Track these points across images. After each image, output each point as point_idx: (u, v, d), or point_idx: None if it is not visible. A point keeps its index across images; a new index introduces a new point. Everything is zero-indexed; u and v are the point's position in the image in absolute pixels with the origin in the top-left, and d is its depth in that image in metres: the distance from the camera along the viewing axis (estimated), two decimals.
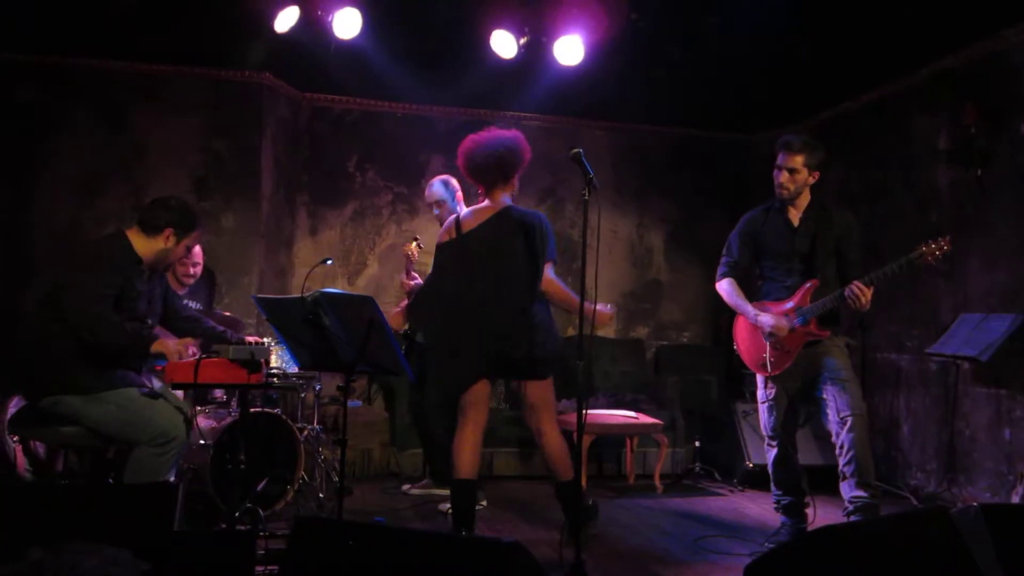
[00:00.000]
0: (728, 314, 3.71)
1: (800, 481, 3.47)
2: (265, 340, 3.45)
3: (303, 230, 5.63)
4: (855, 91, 5.20)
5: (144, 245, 2.99)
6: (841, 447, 3.20)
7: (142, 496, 2.14)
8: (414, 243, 4.32)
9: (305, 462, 3.88)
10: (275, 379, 3.54)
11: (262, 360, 2.85)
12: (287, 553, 1.85)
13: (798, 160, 3.31)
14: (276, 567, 2.54)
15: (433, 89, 5.32)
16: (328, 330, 2.73)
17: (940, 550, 1.68)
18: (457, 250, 3.27)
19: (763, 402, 3.48)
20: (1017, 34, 4.14)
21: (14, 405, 3.61)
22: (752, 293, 3.56)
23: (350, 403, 3.06)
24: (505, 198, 3.31)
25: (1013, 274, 4.16)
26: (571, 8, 4.40)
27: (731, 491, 4.73)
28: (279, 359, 3.74)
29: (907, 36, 4.31)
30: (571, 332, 5.16)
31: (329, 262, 4.59)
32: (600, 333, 5.31)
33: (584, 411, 2.77)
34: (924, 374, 4.68)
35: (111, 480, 3.05)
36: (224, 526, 3.05)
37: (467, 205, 4.42)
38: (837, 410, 3.21)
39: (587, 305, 2.88)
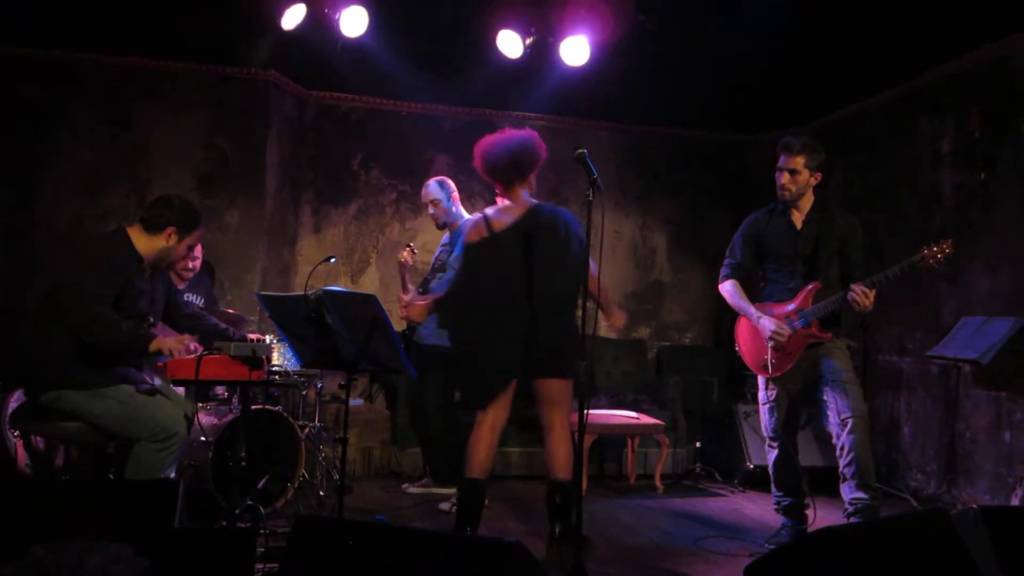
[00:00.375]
0: (730, 315, 3.71)
1: (801, 482, 3.47)
2: (267, 337, 3.47)
3: (307, 228, 5.63)
4: (860, 94, 5.20)
5: (145, 243, 2.99)
6: (842, 449, 3.20)
7: (143, 492, 2.15)
8: (407, 249, 4.32)
9: (306, 460, 3.89)
10: (276, 376, 3.54)
11: (264, 357, 2.85)
12: (287, 551, 1.86)
13: (799, 161, 3.31)
14: (276, 565, 2.54)
15: (439, 88, 5.33)
16: (330, 328, 2.74)
17: (940, 552, 1.68)
18: (490, 249, 3.24)
19: (764, 403, 3.48)
20: (1022, 39, 4.14)
21: (15, 400, 3.62)
22: (754, 294, 3.56)
23: (351, 401, 3.06)
24: (525, 195, 3.33)
25: (1015, 278, 4.15)
26: (578, 9, 4.41)
27: (732, 492, 4.73)
28: (281, 356, 3.74)
29: (912, 40, 4.31)
30: None
31: (333, 260, 4.60)
32: (601, 334, 5.31)
33: (586, 411, 2.77)
34: (925, 376, 4.68)
35: (111, 476, 3.06)
36: (224, 523, 3.05)
37: (463, 207, 4.45)
38: (838, 412, 3.22)
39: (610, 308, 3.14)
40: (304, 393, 4.33)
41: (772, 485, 3.52)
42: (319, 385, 4.16)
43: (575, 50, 4.57)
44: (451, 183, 4.34)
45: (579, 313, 3.06)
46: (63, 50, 4.88)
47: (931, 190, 4.71)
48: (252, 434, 3.18)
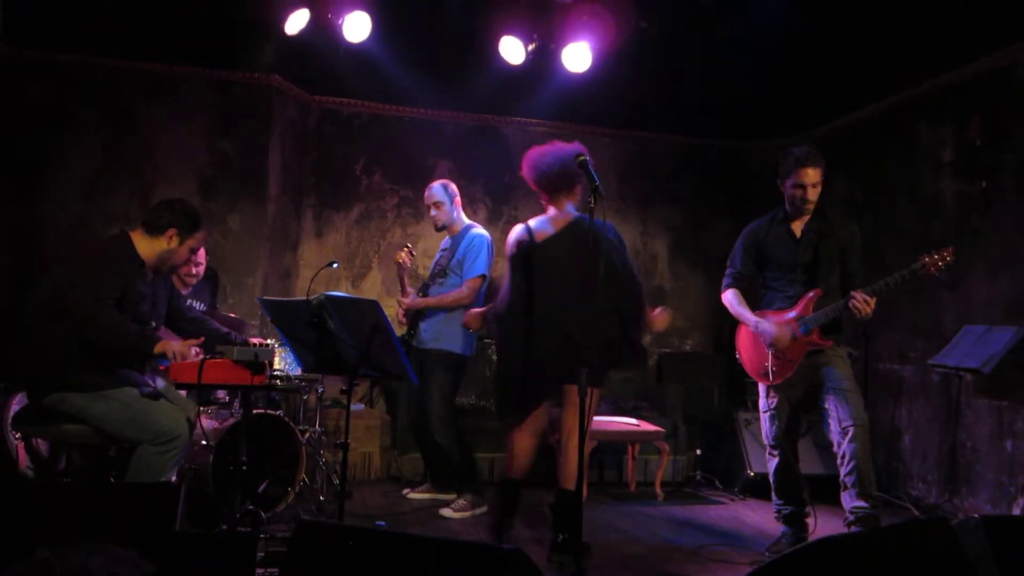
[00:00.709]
0: (730, 322, 3.72)
1: (801, 491, 3.47)
2: (269, 342, 3.47)
3: (309, 232, 5.64)
4: (861, 101, 5.21)
5: (147, 246, 3.00)
6: (842, 457, 3.20)
7: (144, 495, 2.14)
8: (405, 251, 4.34)
9: (306, 464, 3.89)
10: (278, 381, 3.55)
11: (265, 362, 2.86)
12: (288, 556, 1.86)
13: (820, 173, 3.34)
14: (276, 570, 2.54)
15: (441, 94, 5.34)
16: (332, 333, 2.74)
17: (941, 562, 1.68)
18: (534, 260, 3.32)
19: (765, 411, 3.48)
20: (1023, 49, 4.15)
21: (17, 402, 3.62)
22: (755, 302, 3.56)
23: (352, 406, 3.06)
24: (570, 207, 3.39)
25: (1016, 286, 4.15)
26: (580, 15, 4.42)
27: (732, 499, 4.72)
28: (282, 361, 3.75)
29: (914, 48, 4.32)
30: None
31: (335, 266, 4.60)
32: None
33: (587, 417, 2.77)
34: (926, 385, 4.68)
35: (113, 479, 3.06)
36: (225, 527, 3.05)
37: (464, 211, 4.47)
38: (839, 420, 3.22)
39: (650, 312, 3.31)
40: (305, 397, 4.33)
41: (773, 493, 3.51)
42: (320, 389, 4.16)
43: (577, 57, 4.59)
44: (454, 187, 4.37)
45: (622, 321, 3.15)
46: (69, 54, 4.91)
47: (932, 198, 4.71)
48: (253, 438, 3.18)
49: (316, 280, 4.27)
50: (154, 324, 3.08)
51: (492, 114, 5.80)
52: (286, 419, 3.82)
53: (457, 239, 4.33)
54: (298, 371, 3.68)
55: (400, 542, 1.81)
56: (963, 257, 3.52)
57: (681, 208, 6.26)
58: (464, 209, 4.51)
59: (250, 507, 3.15)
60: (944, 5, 3.86)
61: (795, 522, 3.47)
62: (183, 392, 3.24)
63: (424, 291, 4.40)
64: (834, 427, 3.24)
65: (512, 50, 4.62)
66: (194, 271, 3.91)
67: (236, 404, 3.90)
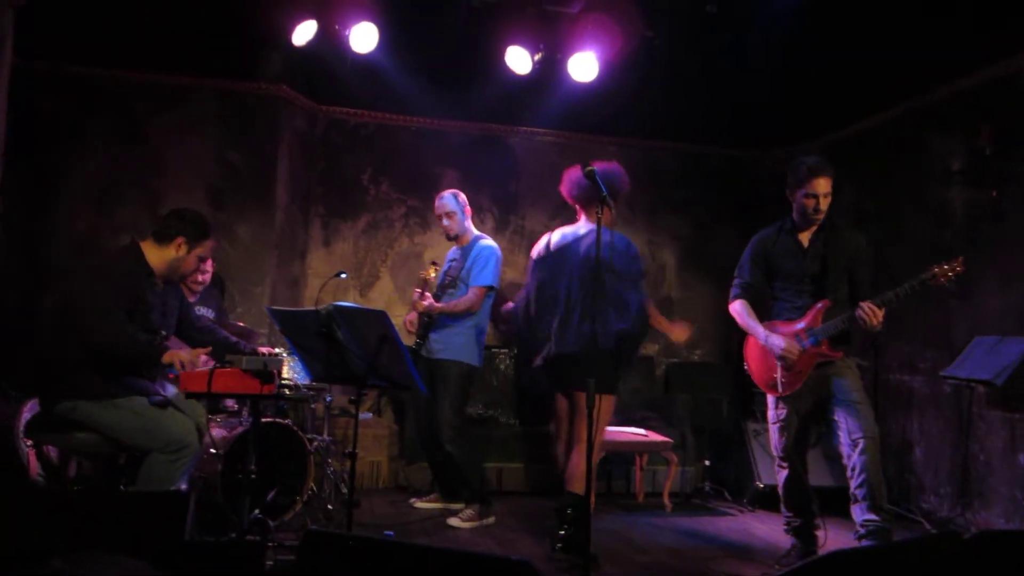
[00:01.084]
0: (739, 333, 3.70)
1: (811, 503, 3.44)
2: (278, 351, 3.49)
3: (316, 241, 5.66)
4: (869, 110, 5.20)
5: (156, 255, 3.02)
6: (853, 470, 3.17)
7: (154, 504, 2.15)
8: (432, 267, 4.39)
9: (314, 473, 3.89)
10: (287, 390, 3.55)
11: (274, 371, 2.87)
12: (296, 565, 1.85)
13: (831, 183, 3.33)
14: None
15: (448, 103, 5.37)
16: (340, 343, 2.75)
17: None
18: (544, 265, 3.68)
19: (774, 422, 3.46)
20: None
21: (28, 410, 3.64)
22: (764, 313, 3.55)
23: (360, 415, 3.07)
24: (589, 219, 3.64)
25: None
26: (586, 25, 4.44)
27: (741, 511, 4.69)
28: (291, 370, 3.75)
29: (922, 56, 4.32)
30: None
31: (343, 276, 4.62)
32: None
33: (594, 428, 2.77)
34: (937, 396, 4.64)
35: (123, 487, 3.06)
36: (234, 536, 3.05)
37: (473, 222, 4.49)
38: (849, 432, 3.19)
39: (665, 322, 3.67)
40: (313, 407, 4.34)
41: (782, 505, 3.49)
42: (328, 399, 4.17)
43: (583, 66, 4.60)
44: (464, 197, 4.38)
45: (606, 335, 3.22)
46: (79, 65, 4.96)
47: (941, 207, 4.69)
48: (262, 447, 3.19)
49: (324, 289, 4.29)
50: (164, 333, 3.09)
51: (498, 123, 5.82)
52: (294, 428, 3.83)
53: (467, 250, 4.33)
54: (307, 380, 3.69)
55: (408, 552, 1.81)
56: (973, 267, 3.49)
57: (688, 217, 6.25)
58: (471, 218, 4.52)
59: (259, 516, 3.15)
60: (951, 13, 3.86)
61: (805, 535, 3.44)
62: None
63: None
64: (844, 439, 3.21)
65: (518, 60, 4.64)
66: (200, 278, 3.94)
67: (245, 413, 3.91)
